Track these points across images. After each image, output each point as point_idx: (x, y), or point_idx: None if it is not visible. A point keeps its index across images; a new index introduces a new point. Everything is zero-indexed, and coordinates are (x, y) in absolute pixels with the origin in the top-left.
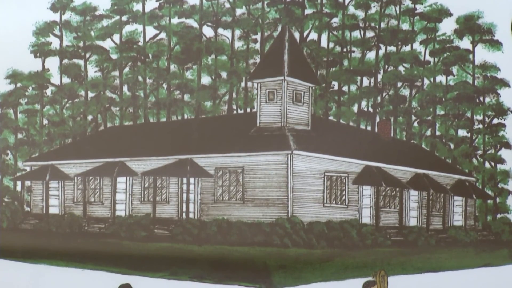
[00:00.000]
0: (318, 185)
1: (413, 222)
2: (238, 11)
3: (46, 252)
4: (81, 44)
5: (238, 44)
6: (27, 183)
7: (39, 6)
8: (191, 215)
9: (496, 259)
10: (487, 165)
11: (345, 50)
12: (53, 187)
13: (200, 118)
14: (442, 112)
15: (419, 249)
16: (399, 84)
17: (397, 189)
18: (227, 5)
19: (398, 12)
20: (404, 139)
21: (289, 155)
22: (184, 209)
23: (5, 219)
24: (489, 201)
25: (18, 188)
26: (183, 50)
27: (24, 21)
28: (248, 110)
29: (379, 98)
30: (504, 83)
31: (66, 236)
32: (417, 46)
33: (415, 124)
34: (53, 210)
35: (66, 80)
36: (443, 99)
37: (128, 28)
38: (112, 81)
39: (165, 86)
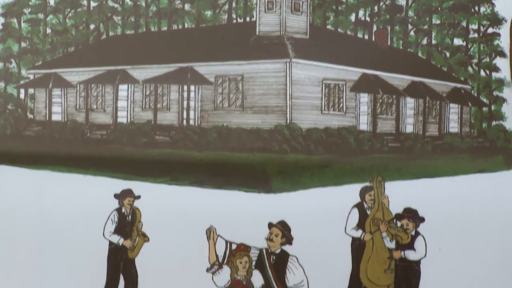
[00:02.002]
0: (316, 92)
1: (409, 129)
2: None
3: (49, 158)
4: None
5: None
6: (31, 91)
7: None
8: (191, 122)
9: (491, 165)
10: (482, 73)
11: None
12: (56, 95)
13: (200, 27)
14: (438, 22)
15: (415, 155)
16: None
17: (394, 96)
18: None
19: None
20: (401, 47)
21: (287, 63)
22: (185, 116)
23: (8, 126)
24: (484, 108)
25: (22, 96)
26: None
27: None
28: (248, 19)
29: (376, 7)
30: None
31: (68, 142)
32: None
33: (412, 33)
34: (56, 117)
35: None
36: (439, 8)
37: None
38: None
39: None
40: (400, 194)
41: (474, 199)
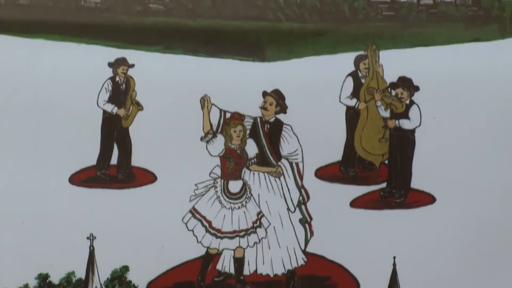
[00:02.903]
0: None
1: None
2: None
3: (43, 27)
4: None
5: None
6: None
7: None
8: None
9: (486, 34)
10: None
11: None
12: None
13: None
14: None
15: (410, 24)
16: None
17: None
18: None
19: None
20: None
21: None
22: None
23: None
24: None
25: None
26: None
27: None
28: None
29: None
30: None
31: (62, 10)
32: None
33: None
34: None
35: None
36: None
37: None
38: None
39: None
40: (394, 63)
41: (468, 68)
